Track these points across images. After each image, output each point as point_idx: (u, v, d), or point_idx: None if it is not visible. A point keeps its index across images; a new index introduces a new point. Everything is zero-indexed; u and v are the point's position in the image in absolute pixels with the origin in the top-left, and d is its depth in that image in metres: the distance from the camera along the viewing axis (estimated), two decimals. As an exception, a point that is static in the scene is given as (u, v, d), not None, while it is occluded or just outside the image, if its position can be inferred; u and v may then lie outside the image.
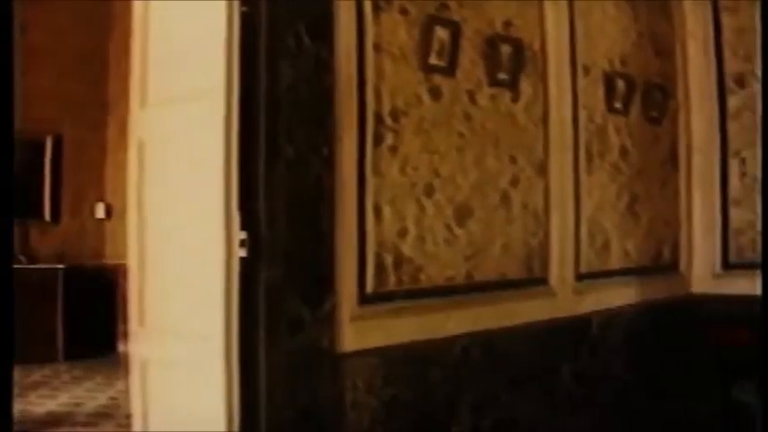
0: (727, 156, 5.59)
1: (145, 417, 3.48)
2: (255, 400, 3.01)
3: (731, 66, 5.61)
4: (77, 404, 5.93)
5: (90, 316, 7.73)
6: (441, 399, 3.69)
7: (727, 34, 5.64)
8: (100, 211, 8.44)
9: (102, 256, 8.34)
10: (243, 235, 2.99)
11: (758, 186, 5.48)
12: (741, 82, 5.57)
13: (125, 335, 3.57)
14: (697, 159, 5.66)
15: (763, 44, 4.48)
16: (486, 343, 3.91)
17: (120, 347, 7.67)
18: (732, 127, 5.59)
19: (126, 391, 3.68)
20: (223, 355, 3.02)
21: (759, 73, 4.72)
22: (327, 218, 3.17)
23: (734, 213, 5.56)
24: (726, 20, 5.64)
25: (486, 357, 3.91)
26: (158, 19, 3.48)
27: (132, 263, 3.57)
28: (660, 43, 5.44)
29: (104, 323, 7.88)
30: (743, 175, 5.54)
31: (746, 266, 5.51)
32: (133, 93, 3.57)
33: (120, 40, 6.88)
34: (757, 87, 5.50)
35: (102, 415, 5.62)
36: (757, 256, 5.43)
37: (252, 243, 2.99)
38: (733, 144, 5.59)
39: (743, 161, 5.54)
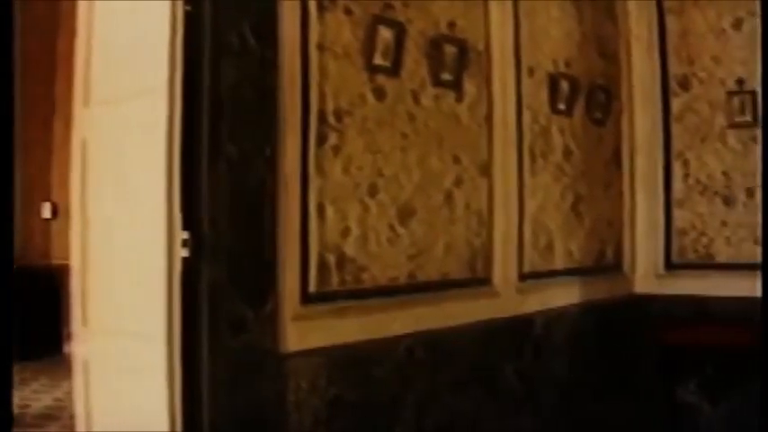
0: (671, 157, 5.74)
1: (88, 417, 3.50)
2: (198, 401, 3.04)
3: (675, 68, 5.76)
4: (24, 406, 5.90)
5: (36, 317, 7.67)
6: (384, 399, 3.76)
7: (671, 37, 5.79)
8: (46, 211, 8.37)
9: (48, 256, 8.27)
10: (185, 235, 3.02)
11: (699, 188, 5.63)
12: (685, 84, 5.72)
13: (69, 336, 3.59)
14: (640, 160, 5.80)
15: (764, 44, 4.59)
16: (429, 343, 3.98)
17: (66, 348, 7.62)
18: (675, 129, 5.74)
19: (71, 393, 3.70)
20: (165, 355, 3.06)
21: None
22: (270, 218, 3.22)
23: (677, 214, 5.71)
24: (670, 22, 5.79)
25: (429, 357, 3.98)
26: (103, 18, 3.49)
27: (75, 263, 3.59)
28: (605, 45, 5.57)
29: (50, 324, 7.82)
30: (686, 176, 5.69)
31: (689, 267, 5.67)
32: (77, 92, 3.58)
33: (67, 39, 6.86)
34: (701, 90, 5.64)
35: (47, 417, 5.60)
36: (699, 257, 5.60)
37: (194, 243, 3.03)
38: (676, 145, 5.73)
39: (686, 163, 5.69)
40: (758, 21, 5.42)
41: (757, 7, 5.42)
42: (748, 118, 5.48)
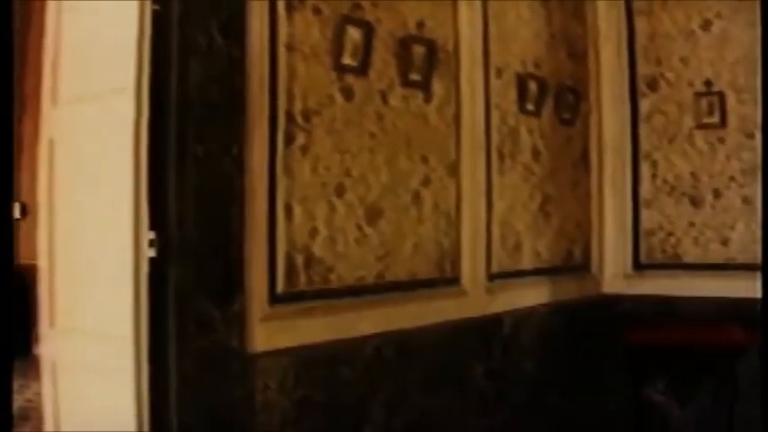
0: (639, 158, 5.80)
1: (57, 418, 3.51)
2: (165, 401, 3.06)
3: (643, 69, 5.84)
4: (-4, 407, 5.87)
5: (6, 318, 7.60)
6: (353, 399, 3.79)
7: (639, 38, 5.86)
8: (15, 211, 8.30)
9: (17, 256, 8.20)
10: (152, 235, 3.04)
11: (667, 188, 5.70)
12: (653, 85, 5.79)
13: (38, 337, 3.59)
14: (609, 161, 5.86)
15: (764, 44, 4.64)
16: (398, 343, 4.02)
17: (35, 349, 7.58)
18: (643, 129, 5.81)
19: (41, 394, 3.71)
20: (133, 355, 3.07)
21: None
22: (237, 218, 3.24)
23: (644, 215, 5.79)
24: (639, 24, 5.86)
25: (398, 357, 4.02)
26: (71, 17, 3.50)
27: (43, 263, 3.59)
28: (573, 46, 5.64)
29: (20, 324, 7.76)
30: (654, 177, 5.77)
31: (657, 267, 5.74)
32: (45, 91, 3.59)
33: (37, 38, 6.82)
34: (669, 91, 5.71)
35: (19, 417, 5.58)
36: (667, 257, 5.67)
37: (161, 243, 3.05)
38: (644, 146, 5.81)
39: (654, 163, 5.76)
40: (725, 23, 5.52)
41: (724, 9, 5.53)
42: (716, 119, 5.56)
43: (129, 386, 3.07)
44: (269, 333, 3.40)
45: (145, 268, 3.05)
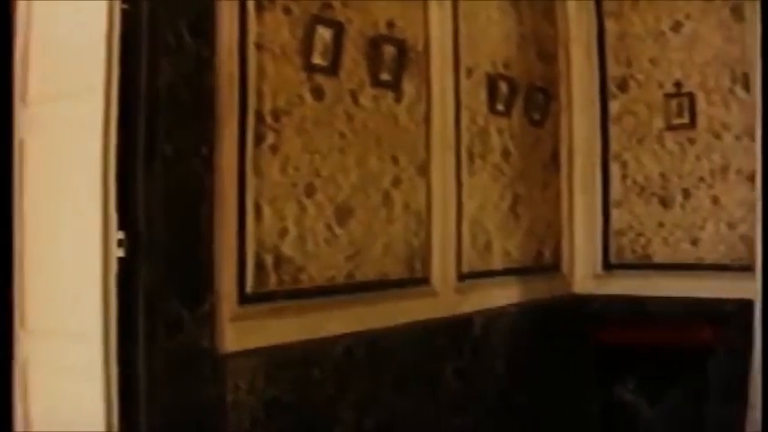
0: (609, 158, 5.87)
1: (27, 418, 3.50)
2: (135, 401, 3.07)
3: (613, 70, 5.91)
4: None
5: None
6: (323, 399, 3.81)
7: (610, 39, 5.93)
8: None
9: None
10: (120, 235, 3.05)
11: (637, 189, 5.76)
12: (623, 86, 5.86)
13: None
14: (579, 161, 5.93)
15: (764, 45, 4.70)
16: (368, 343, 4.05)
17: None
18: (613, 130, 5.89)
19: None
20: (102, 355, 3.07)
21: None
22: (207, 217, 3.26)
23: (614, 215, 5.86)
24: (609, 25, 5.92)
25: (368, 357, 4.05)
26: (41, 17, 3.49)
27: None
28: (544, 47, 5.70)
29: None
30: (624, 177, 5.83)
31: (627, 267, 5.81)
32: (15, 91, 3.57)
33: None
34: (639, 92, 5.78)
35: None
36: (637, 258, 5.74)
37: (130, 243, 3.06)
38: (614, 147, 5.88)
39: (624, 164, 5.83)
40: (695, 24, 5.59)
41: (694, 10, 5.59)
42: (685, 120, 5.64)
43: (99, 387, 3.07)
44: (239, 333, 3.41)
45: (114, 268, 3.06)
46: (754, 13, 5.14)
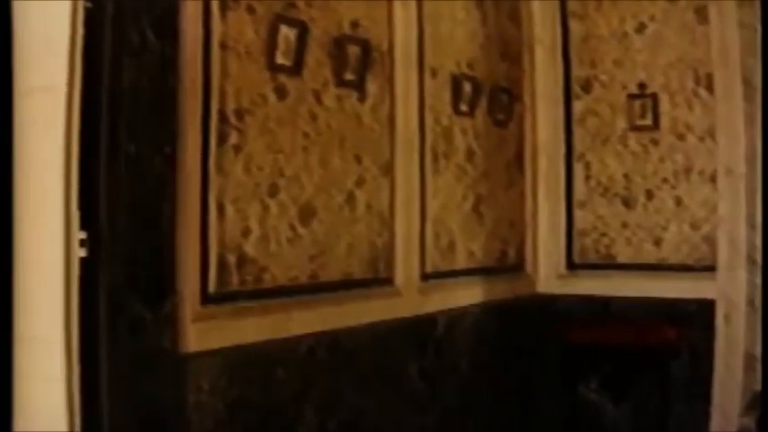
0: (572, 159, 5.94)
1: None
2: (97, 403, 3.07)
3: (577, 71, 5.98)
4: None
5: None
6: (286, 399, 3.84)
7: (574, 40, 5.99)
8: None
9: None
10: (83, 234, 3.05)
11: (600, 189, 5.84)
12: (586, 87, 5.93)
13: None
14: (542, 162, 6.00)
15: (764, 44, 4.76)
16: (332, 343, 4.08)
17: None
18: (577, 131, 5.95)
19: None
20: (64, 356, 3.06)
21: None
22: (169, 217, 3.27)
23: (578, 215, 5.92)
24: (573, 26, 5.99)
25: (332, 357, 4.08)
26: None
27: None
28: (508, 47, 5.77)
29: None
30: (587, 178, 5.90)
31: (590, 267, 5.88)
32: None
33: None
34: (602, 93, 5.85)
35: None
36: (600, 258, 5.81)
37: (92, 243, 3.06)
38: (578, 148, 5.95)
39: (587, 165, 5.90)
40: (659, 26, 5.67)
41: (658, 12, 5.67)
42: (649, 121, 5.72)
43: (61, 388, 3.07)
44: (201, 334, 3.43)
45: (75, 268, 3.06)
46: (717, 15, 5.24)
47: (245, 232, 3.67)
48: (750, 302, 5.06)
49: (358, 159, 4.33)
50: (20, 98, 3.33)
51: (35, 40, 3.26)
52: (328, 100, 4.14)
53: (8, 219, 2.80)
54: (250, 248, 3.69)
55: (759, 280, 5.02)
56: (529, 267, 5.96)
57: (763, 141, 4.97)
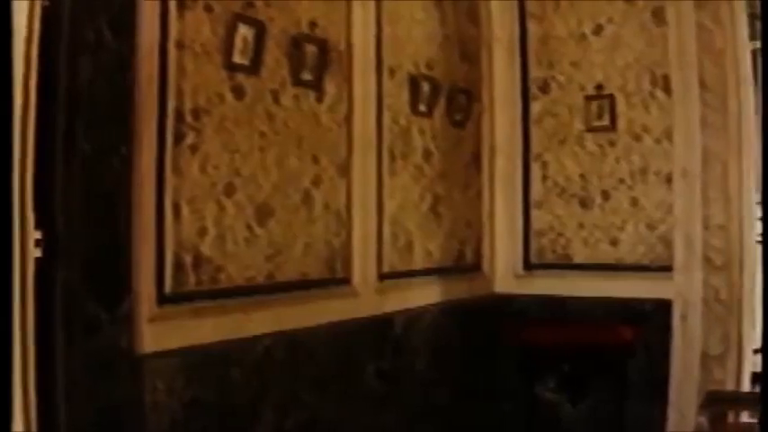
0: (530, 160, 6.00)
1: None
2: (53, 403, 3.08)
3: (535, 72, 6.05)
4: None
5: None
6: (243, 399, 3.87)
7: (532, 41, 6.06)
8: None
9: None
10: (38, 234, 3.05)
11: (557, 190, 5.91)
12: (544, 88, 6.00)
13: None
14: (500, 162, 6.07)
15: (763, 43, 4.81)
16: (289, 343, 4.11)
17: None
18: (534, 132, 6.02)
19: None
20: (20, 357, 3.06)
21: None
22: (125, 217, 3.29)
23: (535, 215, 5.99)
24: (532, 27, 6.06)
25: (289, 357, 4.12)
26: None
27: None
28: (466, 48, 5.84)
29: None
30: (544, 178, 5.98)
31: (547, 267, 5.95)
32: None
33: None
34: (560, 94, 5.92)
35: None
36: (557, 258, 5.88)
37: (47, 243, 3.06)
38: (535, 148, 6.02)
39: (544, 165, 5.97)
40: (616, 27, 5.75)
41: (616, 13, 5.75)
42: (605, 122, 5.79)
43: (17, 389, 3.07)
44: (157, 334, 3.45)
45: (31, 268, 3.06)
46: (675, 17, 5.33)
47: (202, 232, 3.70)
48: (705, 302, 5.16)
49: (315, 159, 4.36)
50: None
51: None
52: (286, 100, 4.18)
53: (8, 221, 2.80)
54: (206, 248, 3.72)
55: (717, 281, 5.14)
56: (486, 267, 6.03)
57: (764, 140, 5.04)
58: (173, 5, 3.58)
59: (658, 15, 5.56)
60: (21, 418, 3.06)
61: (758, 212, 5.19)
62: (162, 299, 3.51)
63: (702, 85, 5.23)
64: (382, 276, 4.85)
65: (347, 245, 4.58)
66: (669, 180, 5.46)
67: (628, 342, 5.32)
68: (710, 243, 5.19)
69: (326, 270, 4.45)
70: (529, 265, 6.01)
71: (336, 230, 4.51)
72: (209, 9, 3.75)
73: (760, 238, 5.26)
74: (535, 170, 6.01)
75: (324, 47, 4.42)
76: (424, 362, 5.17)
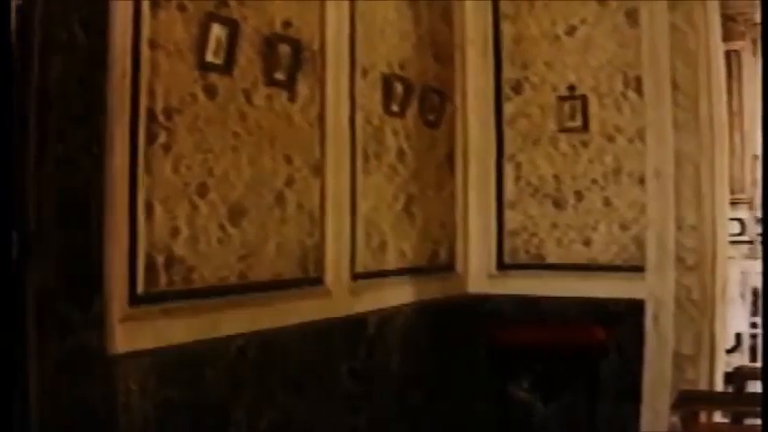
0: (503, 160, 6.04)
1: None
2: (26, 404, 3.08)
3: (508, 72, 6.09)
4: None
5: None
6: (216, 400, 3.88)
7: (506, 42, 6.10)
8: None
9: None
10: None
11: (530, 190, 5.96)
12: (517, 89, 6.04)
13: None
14: (473, 163, 6.12)
15: (763, 42, 4.82)
16: (262, 343, 4.13)
17: None
18: (508, 132, 6.07)
19: None
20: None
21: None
22: (97, 217, 3.29)
23: (508, 216, 6.04)
24: (505, 27, 6.09)
25: (262, 357, 4.13)
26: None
27: None
28: (440, 48, 5.88)
29: None
30: (518, 178, 6.02)
31: (520, 267, 5.99)
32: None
33: None
34: (533, 94, 5.97)
35: None
36: (530, 258, 5.93)
37: (20, 243, 3.05)
38: (508, 148, 6.06)
39: (518, 165, 6.02)
40: (589, 29, 5.79)
41: (589, 15, 5.80)
42: (578, 123, 5.84)
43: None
44: (129, 334, 3.45)
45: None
46: (648, 18, 5.38)
47: (174, 232, 3.70)
48: (678, 302, 5.21)
49: (288, 159, 4.38)
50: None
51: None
52: (258, 99, 4.19)
53: (8, 221, 2.80)
54: (179, 248, 3.72)
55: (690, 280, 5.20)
56: (459, 267, 6.07)
57: (764, 140, 5.07)
58: (146, 5, 3.58)
59: (632, 17, 5.62)
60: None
61: (729, 213, 5.25)
62: (134, 299, 3.51)
63: (675, 86, 5.30)
64: (356, 276, 4.87)
65: (320, 245, 4.60)
66: (642, 181, 5.52)
67: (601, 342, 5.36)
68: (683, 243, 5.25)
69: (300, 270, 4.46)
70: (502, 265, 6.05)
71: (310, 230, 4.53)
72: (182, 8, 3.75)
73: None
74: (508, 170, 6.05)
75: (297, 46, 4.43)
76: (397, 362, 5.19)
